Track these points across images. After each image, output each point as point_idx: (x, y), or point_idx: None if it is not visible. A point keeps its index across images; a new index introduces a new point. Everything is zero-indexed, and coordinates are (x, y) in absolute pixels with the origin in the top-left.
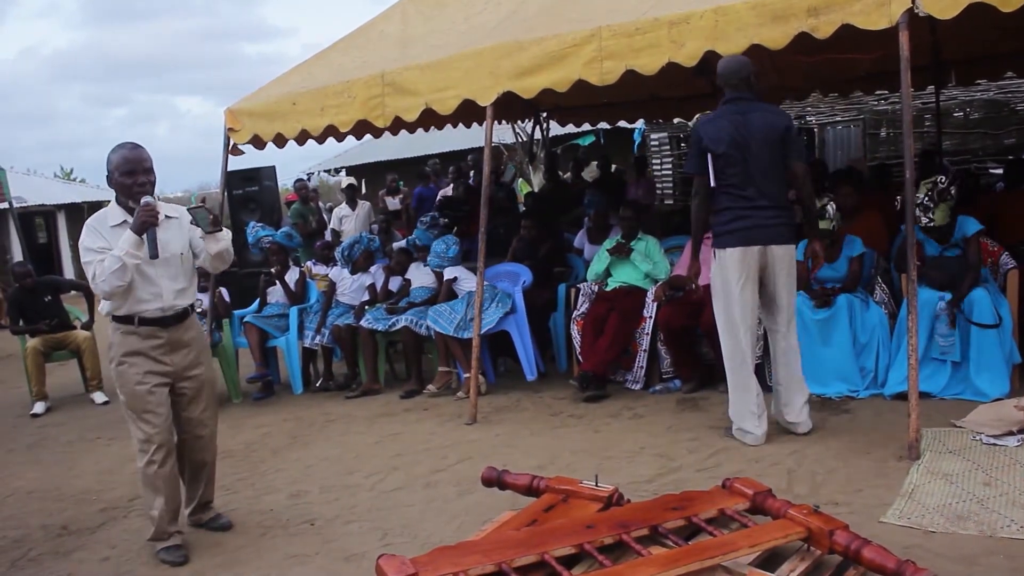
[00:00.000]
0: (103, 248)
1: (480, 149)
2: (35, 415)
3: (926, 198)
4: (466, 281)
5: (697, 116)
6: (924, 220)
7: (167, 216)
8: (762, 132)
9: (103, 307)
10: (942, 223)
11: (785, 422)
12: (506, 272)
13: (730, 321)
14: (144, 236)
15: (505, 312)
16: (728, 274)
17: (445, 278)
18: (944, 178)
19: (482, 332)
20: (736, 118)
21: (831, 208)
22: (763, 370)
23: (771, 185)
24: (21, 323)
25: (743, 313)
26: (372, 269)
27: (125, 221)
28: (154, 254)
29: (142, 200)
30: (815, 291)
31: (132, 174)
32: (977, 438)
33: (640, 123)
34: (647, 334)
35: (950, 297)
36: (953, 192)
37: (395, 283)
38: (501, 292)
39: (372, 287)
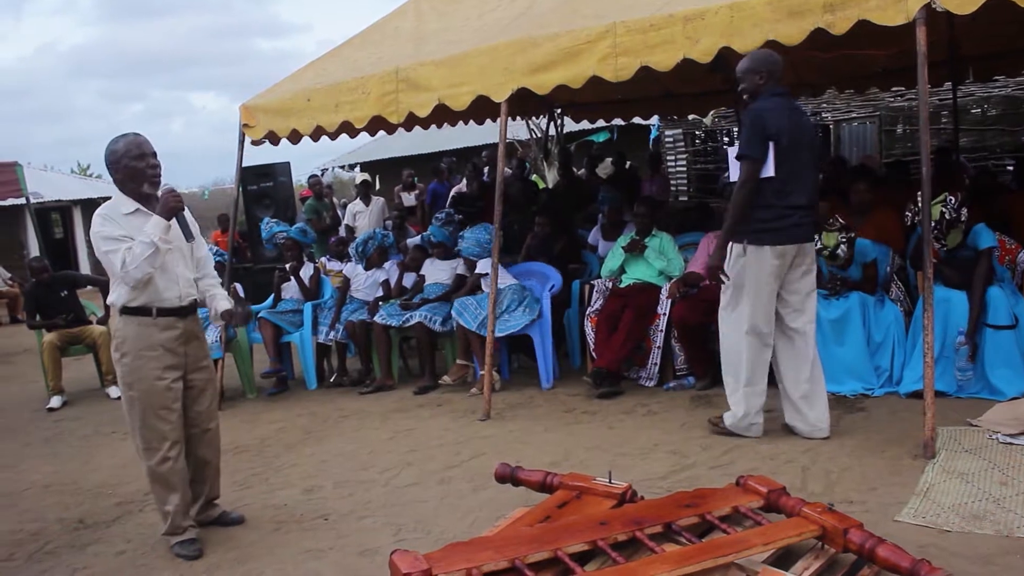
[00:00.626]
0: (124, 236)
1: (494, 145)
2: (51, 409)
3: (936, 230)
4: (499, 278)
5: (714, 111)
6: (936, 246)
7: None
8: (809, 131)
9: (115, 298)
10: (955, 244)
11: (806, 428)
12: (538, 272)
13: (757, 317)
14: (174, 221)
15: (532, 319)
16: (764, 271)
17: (477, 270)
18: (954, 200)
19: (507, 334)
20: (792, 113)
21: (843, 249)
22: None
23: (809, 183)
24: (38, 318)
25: (770, 310)
26: (386, 265)
27: (139, 209)
28: (189, 236)
29: (165, 186)
30: (827, 281)
31: (142, 156)
32: (993, 437)
33: (655, 120)
34: (661, 331)
35: (966, 328)
36: (964, 216)
37: (409, 279)
38: (530, 296)
39: (386, 283)
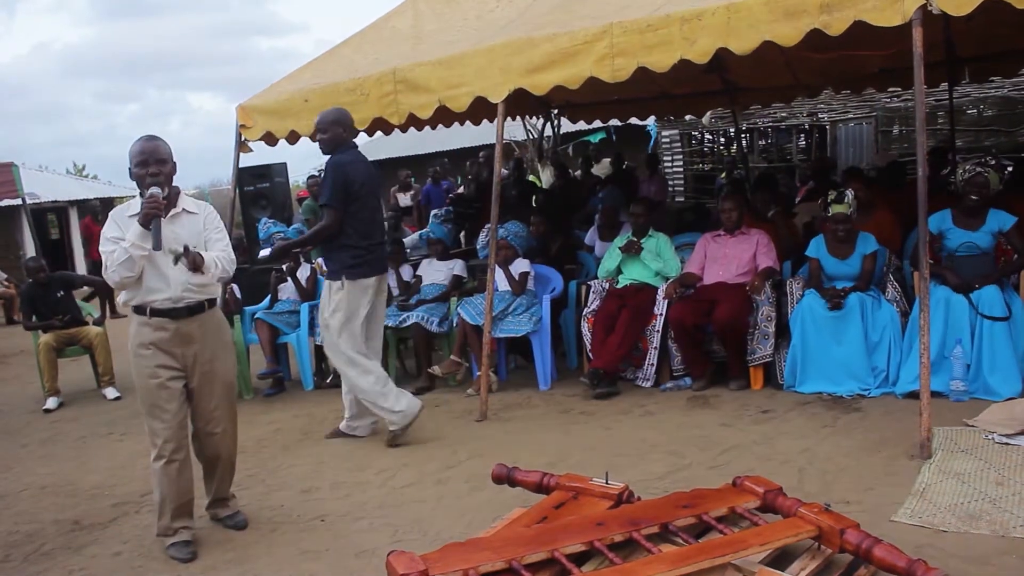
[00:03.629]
0: (117, 238)
1: (491, 146)
2: (47, 411)
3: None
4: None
5: (711, 112)
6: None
7: (185, 210)
8: (375, 178)
9: (121, 297)
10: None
11: (363, 430)
12: (539, 274)
13: (356, 341)
14: (150, 227)
15: (533, 329)
16: (361, 302)
17: (521, 268)
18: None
19: (506, 336)
20: (365, 165)
21: (849, 193)
22: (774, 368)
23: (380, 223)
24: (34, 319)
25: (361, 334)
26: None
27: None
28: (157, 246)
29: (148, 192)
30: (827, 291)
31: (144, 164)
32: (989, 437)
33: (651, 120)
34: (658, 331)
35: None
36: (1007, 169)
37: (407, 272)
38: (537, 304)
39: None
